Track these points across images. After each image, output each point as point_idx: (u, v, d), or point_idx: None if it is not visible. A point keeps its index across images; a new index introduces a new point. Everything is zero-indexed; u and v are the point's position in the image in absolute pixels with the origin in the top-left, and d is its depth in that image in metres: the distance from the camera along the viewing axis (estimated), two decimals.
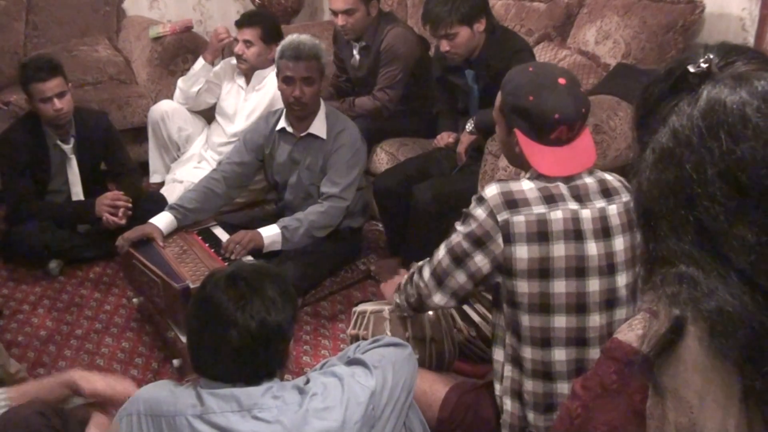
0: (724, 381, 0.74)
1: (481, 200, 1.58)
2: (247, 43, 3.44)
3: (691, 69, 0.77)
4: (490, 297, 1.79)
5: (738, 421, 0.75)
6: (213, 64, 3.64)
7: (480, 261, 1.57)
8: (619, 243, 1.59)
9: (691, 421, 0.76)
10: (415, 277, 1.74)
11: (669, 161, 0.76)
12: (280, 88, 2.78)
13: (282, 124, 2.85)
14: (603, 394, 0.87)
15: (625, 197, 1.63)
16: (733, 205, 0.71)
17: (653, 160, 0.78)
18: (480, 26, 2.74)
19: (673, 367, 0.77)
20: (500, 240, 1.54)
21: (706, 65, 0.76)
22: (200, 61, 3.65)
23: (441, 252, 1.66)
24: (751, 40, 3.00)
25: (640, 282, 1.62)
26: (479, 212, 1.57)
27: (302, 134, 2.82)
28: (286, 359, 1.38)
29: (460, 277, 1.62)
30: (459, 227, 1.62)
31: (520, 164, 1.69)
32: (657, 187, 0.77)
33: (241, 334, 1.27)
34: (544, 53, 3.37)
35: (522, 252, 1.53)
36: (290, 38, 2.76)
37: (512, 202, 1.54)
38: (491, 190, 1.57)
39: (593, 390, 0.88)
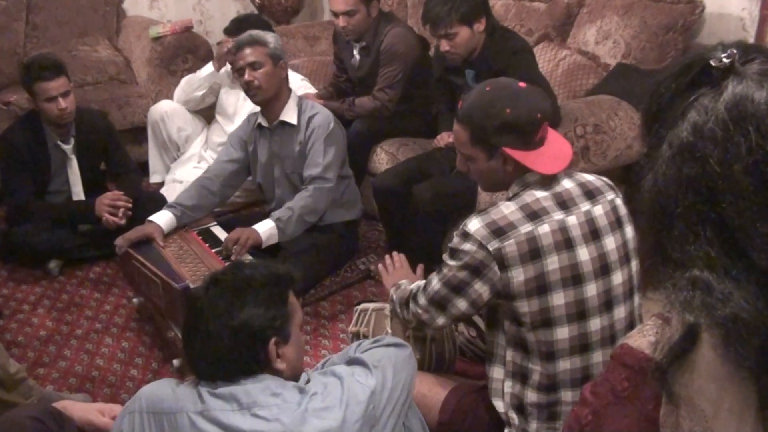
0: (739, 389, 0.73)
1: (467, 235, 1.56)
2: None
3: (713, 63, 0.76)
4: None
5: (754, 430, 0.74)
6: (219, 70, 3.67)
7: (480, 288, 1.57)
8: (610, 242, 1.59)
9: (706, 430, 0.74)
10: (411, 305, 1.73)
11: (689, 156, 0.74)
12: (239, 81, 2.86)
13: (259, 120, 2.90)
14: (614, 401, 0.86)
15: (610, 196, 1.64)
16: (759, 201, 0.70)
17: (671, 155, 0.76)
18: (480, 26, 2.74)
19: (686, 375, 0.75)
20: (496, 268, 1.54)
21: (729, 60, 0.75)
22: (208, 68, 3.67)
23: (435, 284, 1.64)
24: (751, 41, 3.00)
25: (635, 279, 1.63)
26: (468, 246, 1.56)
27: (275, 123, 2.85)
28: (270, 359, 1.34)
29: (461, 305, 1.61)
30: (450, 261, 1.60)
31: (504, 185, 1.68)
32: (675, 183, 0.75)
33: (204, 335, 1.30)
34: (544, 53, 3.36)
35: (518, 275, 1.53)
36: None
37: (499, 230, 1.54)
38: (474, 224, 1.56)
39: (604, 396, 0.87)
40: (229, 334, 1.30)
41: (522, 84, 1.65)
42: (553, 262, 1.53)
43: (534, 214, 1.55)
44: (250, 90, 2.77)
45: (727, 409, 0.74)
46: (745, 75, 0.74)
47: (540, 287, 1.53)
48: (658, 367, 0.78)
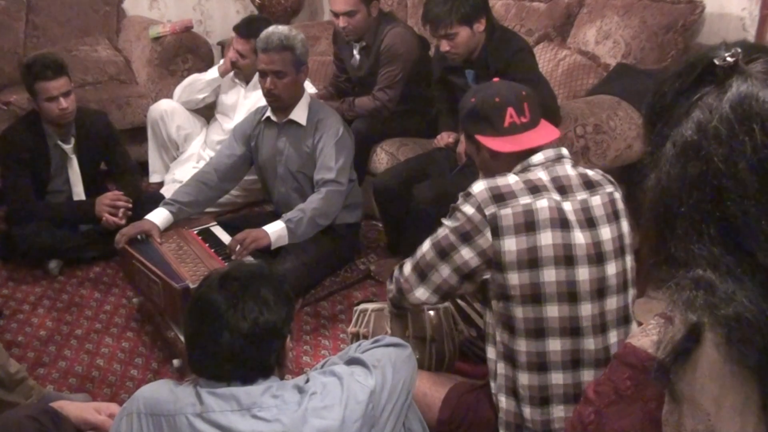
0: (742, 388, 0.73)
1: (469, 196, 1.61)
2: (241, 54, 3.48)
3: (717, 62, 0.76)
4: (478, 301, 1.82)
5: (756, 429, 0.73)
6: (224, 76, 3.68)
7: (466, 254, 1.60)
8: (606, 232, 1.61)
9: (708, 428, 0.74)
10: (396, 272, 1.77)
11: (694, 154, 0.74)
12: (258, 80, 2.85)
13: (268, 113, 2.91)
14: (617, 400, 0.86)
15: (609, 188, 1.66)
16: (764, 199, 0.70)
17: (674, 154, 0.76)
18: (480, 26, 2.74)
19: (689, 374, 0.75)
20: (489, 234, 1.57)
21: (733, 59, 0.75)
22: (214, 73, 3.68)
23: (425, 246, 1.69)
24: (751, 41, 3.00)
25: (630, 274, 1.64)
26: (467, 208, 1.60)
27: (283, 121, 2.85)
28: (283, 357, 1.38)
29: (444, 271, 1.64)
30: (446, 222, 1.66)
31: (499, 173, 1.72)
32: (679, 182, 0.75)
33: (232, 335, 1.28)
34: (544, 53, 3.36)
35: (510, 244, 1.55)
36: (266, 30, 2.78)
37: (499, 196, 1.58)
38: (478, 186, 1.61)
39: (607, 396, 0.87)
40: (260, 332, 1.29)
41: (496, 79, 1.81)
42: (546, 238, 1.55)
43: (535, 189, 1.60)
44: (269, 96, 2.78)
45: (729, 408, 0.73)
46: (749, 74, 0.74)
47: (531, 260, 1.55)
48: (660, 366, 0.78)
